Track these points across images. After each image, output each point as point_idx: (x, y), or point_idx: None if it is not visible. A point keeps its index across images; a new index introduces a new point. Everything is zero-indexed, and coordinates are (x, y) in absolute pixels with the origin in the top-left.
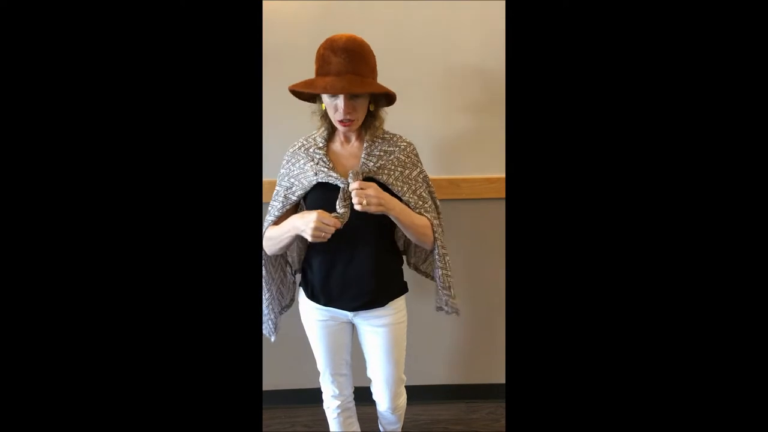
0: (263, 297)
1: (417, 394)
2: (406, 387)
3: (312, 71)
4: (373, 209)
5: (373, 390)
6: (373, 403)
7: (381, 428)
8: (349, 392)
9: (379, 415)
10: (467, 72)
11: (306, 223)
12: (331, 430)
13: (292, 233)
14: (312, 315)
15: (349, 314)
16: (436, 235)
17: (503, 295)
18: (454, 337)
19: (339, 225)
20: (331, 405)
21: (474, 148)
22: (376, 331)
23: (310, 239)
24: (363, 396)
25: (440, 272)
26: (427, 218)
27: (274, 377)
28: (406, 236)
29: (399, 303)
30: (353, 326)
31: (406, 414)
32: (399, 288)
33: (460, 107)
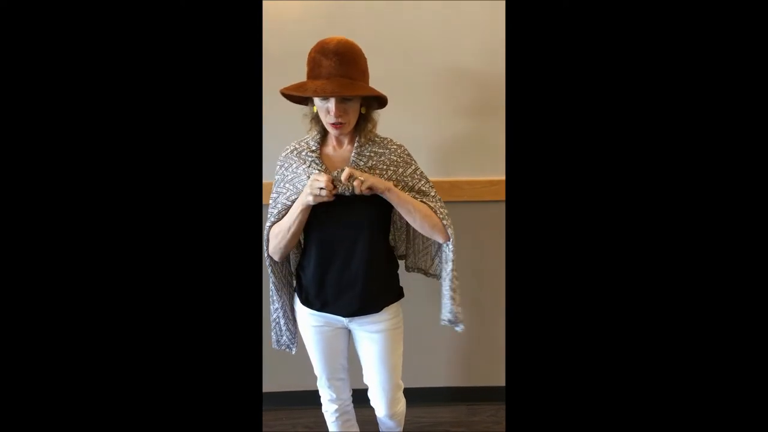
0: (275, 307)
1: (418, 396)
2: (408, 389)
3: None
4: (363, 187)
5: (370, 396)
6: (368, 405)
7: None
8: (347, 396)
9: (378, 420)
10: (470, 73)
11: (304, 195)
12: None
13: (297, 210)
14: (307, 321)
15: (344, 320)
16: (445, 222)
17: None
18: (456, 339)
19: (330, 180)
20: (329, 409)
21: (476, 151)
22: (372, 338)
23: (312, 202)
24: (363, 398)
25: (451, 275)
26: (430, 205)
27: (276, 379)
28: (406, 238)
29: (394, 308)
30: (349, 332)
31: (407, 416)
32: (394, 293)
33: (462, 109)
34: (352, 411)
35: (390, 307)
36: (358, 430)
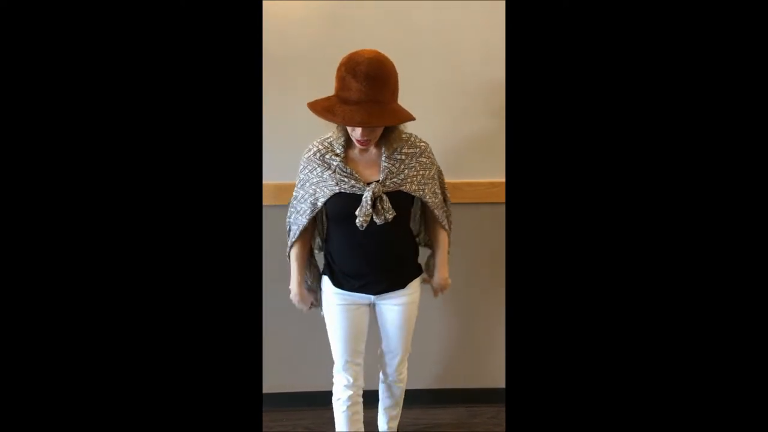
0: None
1: (418, 397)
2: (408, 390)
3: (314, 76)
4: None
5: (381, 362)
6: (373, 406)
7: (380, 423)
8: (361, 383)
9: (380, 401)
10: (472, 75)
11: (294, 295)
12: (337, 427)
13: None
14: (334, 299)
15: (372, 297)
16: (446, 227)
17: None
18: (456, 340)
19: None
20: (342, 396)
21: (477, 152)
22: (394, 309)
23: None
24: (366, 400)
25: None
26: (444, 231)
27: (276, 380)
28: (420, 221)
29: (415, 283)
30: (371, 311)
31: (406, 417)
32: (416, 270)
33: (463, 111)
34: (362, 407)
35: (412, 282)
36: (363, 429)
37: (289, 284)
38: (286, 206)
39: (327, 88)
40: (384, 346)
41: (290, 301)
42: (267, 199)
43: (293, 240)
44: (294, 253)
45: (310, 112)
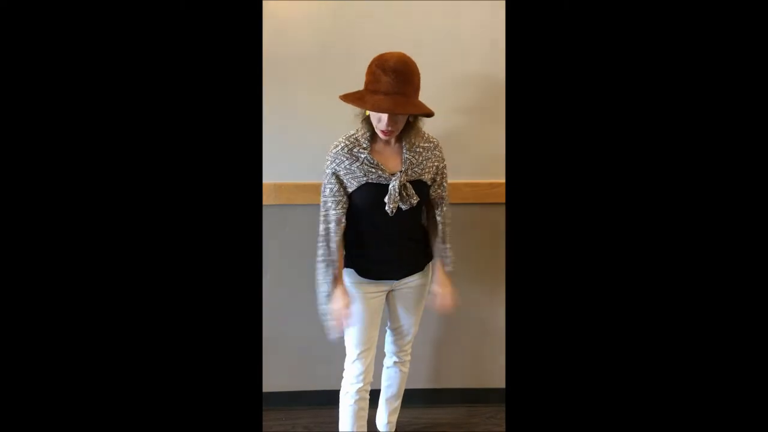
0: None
1: (417, 396)
2: (406, 390)
3: (314, 76)
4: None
5: (389, 345)
6: (372, 405)
7: (379, 418)
8: (371, 378)
9: (382, 391)
10: (472, 76)
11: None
12: (341, 425)
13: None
14: (355, 290)
15: (394, 282)
16: (447, 228)
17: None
18: (455, 339)
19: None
20: (350, 390)
21: (477, 153)
22: (411, 291)
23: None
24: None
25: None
26: (443, 221)
27: (274, 379)
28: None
29: (428, 266)
30: (386, 298)
31: (405, 417)
32: (430, 253)
33: (463, 111)
34: (367, 405)
35: (428, 265)
36: (365, 426)
37: (290, 286)
38: (285, 206)
39: (327, 87)
40: (396, 326)
41: (289, 300)
42: (267, 199)
43: (335, 237)
44: (332, 258)
45: (310, 112)
